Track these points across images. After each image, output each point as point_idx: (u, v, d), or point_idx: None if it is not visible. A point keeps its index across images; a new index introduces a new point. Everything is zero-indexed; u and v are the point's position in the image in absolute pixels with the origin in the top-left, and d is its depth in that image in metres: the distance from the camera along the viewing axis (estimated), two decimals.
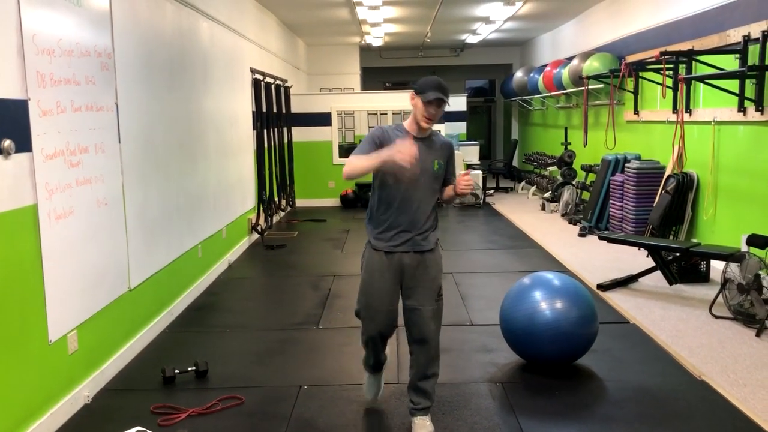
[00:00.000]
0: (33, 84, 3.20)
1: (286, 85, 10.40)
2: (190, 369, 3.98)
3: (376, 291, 3.24)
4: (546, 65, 11.70)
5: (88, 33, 3.84)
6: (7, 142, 2.99)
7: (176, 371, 3.94)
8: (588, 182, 9.33)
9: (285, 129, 10.29)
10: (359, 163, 3.07)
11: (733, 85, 5.77)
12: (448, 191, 3.32)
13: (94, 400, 3.72)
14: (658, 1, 7.65)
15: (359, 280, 3.33)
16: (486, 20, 11.42)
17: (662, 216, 6.69)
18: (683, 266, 5.82)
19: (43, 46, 3.30)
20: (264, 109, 8.76)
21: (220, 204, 6.83)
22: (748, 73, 5.42)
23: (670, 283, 5.65)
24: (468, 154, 12.60)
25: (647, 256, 6.35)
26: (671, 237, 6.76)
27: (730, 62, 5.93)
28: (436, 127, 3.33)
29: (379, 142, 3.12)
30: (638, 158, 7.89)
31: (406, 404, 3.40)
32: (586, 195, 9.32)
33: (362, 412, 3.52)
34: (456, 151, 12.55)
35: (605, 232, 7.77)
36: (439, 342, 3.28)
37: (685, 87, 6.60)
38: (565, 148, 10.23)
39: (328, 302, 5.56)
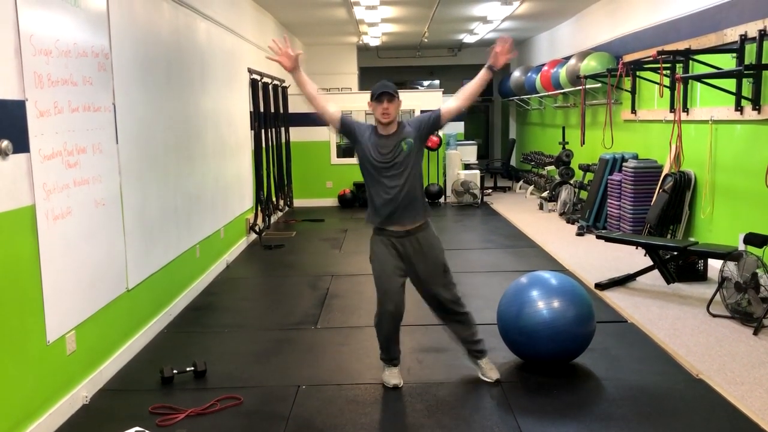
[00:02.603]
0: (30, 84, 3.20)
1: (283, 85, 10.40)
2: (188, 369, 3.98)
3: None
4: (543, 65, 11.69)
5: (85, 33, 3.84)
6: (4, 143, 2.99)
7: (175, 371, 3.94)
8: (586, 181, 9.33)
9: (282, 129, 10.28)
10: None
11: (730, 84, 5.78)
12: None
13: (92, 401, 3.72)
14: (656, 1, 7.66)
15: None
16: (483, 20, 11.42)
17: (660, 215, 6.70)
18: (681, 265, 5.83)
19: (40, 47, 3.30)
20: (262, 109, 8.76)
21: (218, 204, 6.83)
22: (745, 72, 5.43)
23: (668, 282, 5.66)
24: (466, 153, 12.59)
25: (645, 255, 6.35)
26: (669, 236, 6.77)
27: (727, 61, 5.94)
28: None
29: (351, 126, 3.85)
30: (636, 157, 7.90)
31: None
32: (583, 194, 9.33)
33: (361, 412, 3.52)
34: (453, 151, 12.53)
35: (603, 231, 7.78)
36: (453, 300, 3.79)
37: (682, 86, 6.60)
38: (563, 148, 10.23)
39: (326, 302, 5.56)
